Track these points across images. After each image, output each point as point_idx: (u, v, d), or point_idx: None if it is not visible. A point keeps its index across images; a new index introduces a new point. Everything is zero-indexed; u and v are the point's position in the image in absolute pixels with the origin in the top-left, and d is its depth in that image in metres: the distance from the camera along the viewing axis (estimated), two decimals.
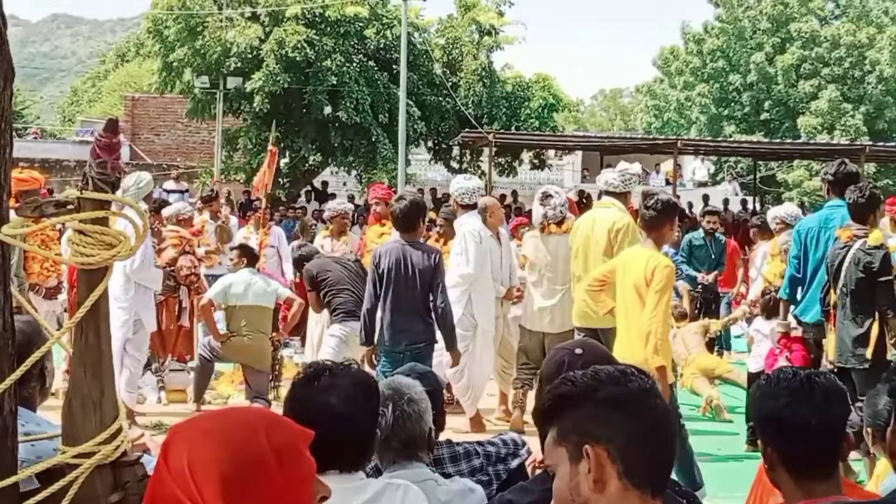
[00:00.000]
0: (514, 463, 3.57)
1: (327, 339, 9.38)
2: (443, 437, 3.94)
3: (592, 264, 7.86)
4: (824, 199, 8.01)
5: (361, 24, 28.09)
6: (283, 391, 10.21)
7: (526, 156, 31.14)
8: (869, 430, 3.62)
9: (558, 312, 8.88)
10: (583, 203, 22.80)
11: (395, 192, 11.87)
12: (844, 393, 2.77)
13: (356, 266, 9.73)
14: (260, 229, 12.58)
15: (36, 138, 41.89)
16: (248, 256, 10.16)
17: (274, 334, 10.12)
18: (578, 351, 2.76)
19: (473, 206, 9.11)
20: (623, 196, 8.24)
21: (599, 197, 9.29)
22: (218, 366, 10.51)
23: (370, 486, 2.84)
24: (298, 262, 10.23)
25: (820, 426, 2.61)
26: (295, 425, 1.86)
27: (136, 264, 8.66)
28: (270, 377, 9.97)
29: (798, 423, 2.61)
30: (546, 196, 8.98)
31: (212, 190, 14.80)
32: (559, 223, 8.87)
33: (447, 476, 3.48)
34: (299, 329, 11.67)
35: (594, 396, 1.93)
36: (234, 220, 13.59)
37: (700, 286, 12.79)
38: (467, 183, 9.32)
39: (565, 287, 8.80)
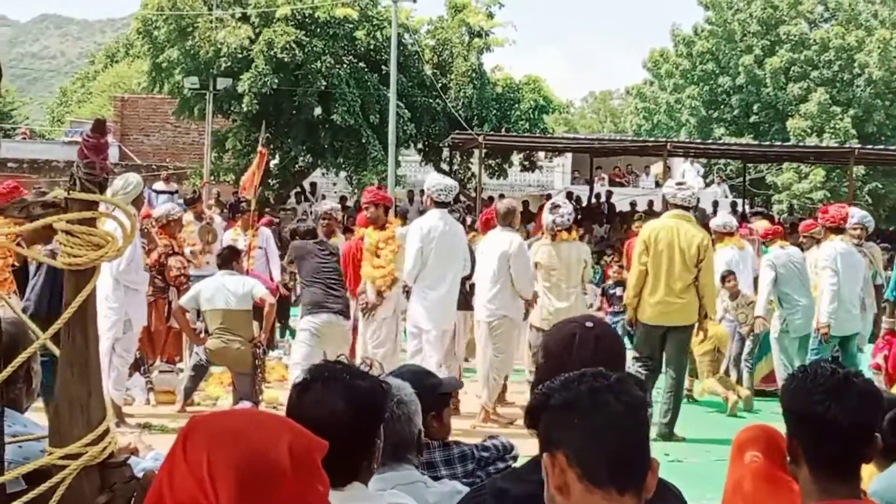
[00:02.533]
0: (502, 466, 3.57)
1: (299, 333, 9.43)
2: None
3: (679, 269, 9.03)
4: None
5: (351, 26, 28.06)
6: (269, 393, 10.22)
7: (516, 157, 31.14)
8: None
9: (575, 312, 9.36)
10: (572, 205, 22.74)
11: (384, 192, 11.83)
12: (880, 396, 2.74)
13: (334, 259, 9.73)
14: (248, 231, 12.55)
15: (25, 139, 41.75)
16: (221, 258, 10.12)
17: (256, 336, 10.03)
18: (589, 324, 2.71)
19: (446, 205, 9.53)
20: (692, 209, 9.54)
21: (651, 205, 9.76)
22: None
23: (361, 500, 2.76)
24: (293, 234, 10.23)
25: (851, 427, 2.59)
26: (314, 438, 1.86)
27: (122, 266, 8.64)
28: (256, 379, 9.90)
29: (830, 421, 2.58)
30: (555, 206, 9.80)
31: (195, 192, 14.79)
32: (568, 230, 9.70)
33: (440, 479, 3.47)
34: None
35: (549, 404, 1.95)
36: (218, 220, 13.53)
37: None
38: (446, 180, 9.67)
39: (577, 289, 9.70)
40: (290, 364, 9.29)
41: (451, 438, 3.97)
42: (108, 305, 8.72)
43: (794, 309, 10.72)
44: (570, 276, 9.62)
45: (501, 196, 28.37)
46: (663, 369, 9.34)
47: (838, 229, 10.19)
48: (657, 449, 8.63)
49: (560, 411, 1.93)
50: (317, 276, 9.39)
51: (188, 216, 12.93)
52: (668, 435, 9.13)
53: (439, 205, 9.40)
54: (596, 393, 1.92)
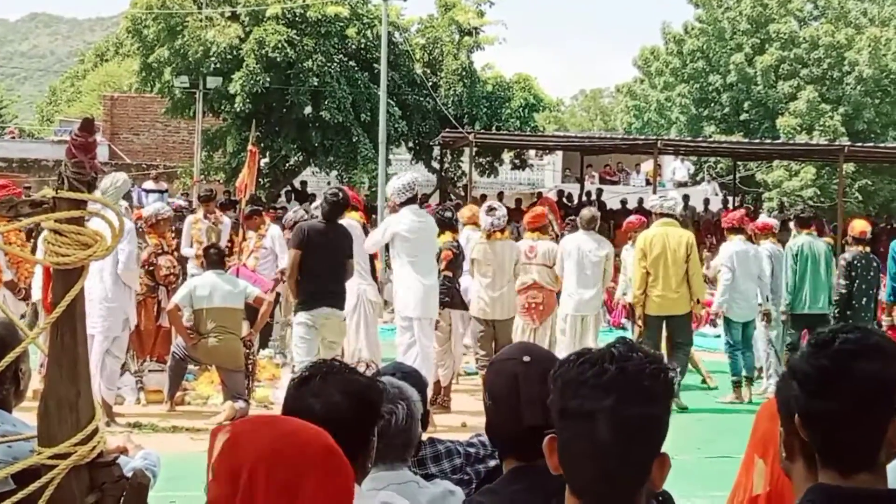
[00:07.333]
0: (492, 463, 3.56)
1: (295, 328, 9.35)
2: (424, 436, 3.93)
3: (672, 267, 10.74)
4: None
5: (342, 24, 28.03)
6: (260, 392, 10.22)
7: (507, 156, 31.15)
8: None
9: (506, 302, 10.67)
10: (563, 203, 22.85)
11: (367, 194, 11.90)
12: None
13: (343, 245, 9.69)
14: (246, 231, 12.58)
15: (14, 138, 41.65)
16: (209, 258, 10.12)
17: (246, 334, 10.04)
18: (526, 359, 2.69)
19: (413, 200, 9.71)
20: (675, 216, 11.29)
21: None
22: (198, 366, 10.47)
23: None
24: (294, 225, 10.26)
25: None
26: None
27: (123, 264, 8.76)
28: (246, 377, 9.90)
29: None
30: (491, 209, 10.83)
31: (210, 190, 14.82)
32: (502, 231, 10.76)
33: (430, 476, 3.47)
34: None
35: (567, 404, 1.95)
36: (226, 221, 13.53)
37: None
38: (399, 181, 9.83)
39: (509, 283, 10.70)
40: (295, 365, 9.16)
41: (436, 435, 3.98)
42: (108, 305, 8.81)
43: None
44: (503, 271, 10.64)
45: (500, 194, 28.42)
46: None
47: (736, 230, 11.73)
48: None
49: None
50: (318, 269, 9.13)
51: (198, 214, 12.98)
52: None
53: (407, 203, 9.59)
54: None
